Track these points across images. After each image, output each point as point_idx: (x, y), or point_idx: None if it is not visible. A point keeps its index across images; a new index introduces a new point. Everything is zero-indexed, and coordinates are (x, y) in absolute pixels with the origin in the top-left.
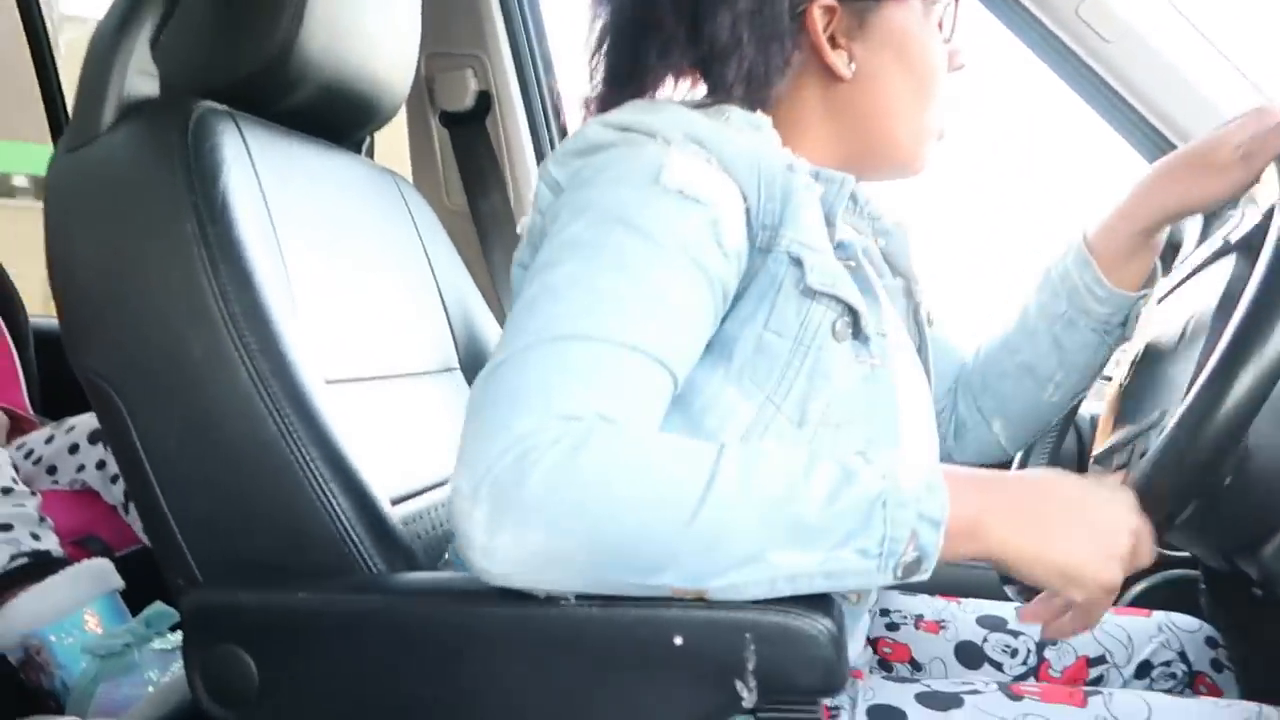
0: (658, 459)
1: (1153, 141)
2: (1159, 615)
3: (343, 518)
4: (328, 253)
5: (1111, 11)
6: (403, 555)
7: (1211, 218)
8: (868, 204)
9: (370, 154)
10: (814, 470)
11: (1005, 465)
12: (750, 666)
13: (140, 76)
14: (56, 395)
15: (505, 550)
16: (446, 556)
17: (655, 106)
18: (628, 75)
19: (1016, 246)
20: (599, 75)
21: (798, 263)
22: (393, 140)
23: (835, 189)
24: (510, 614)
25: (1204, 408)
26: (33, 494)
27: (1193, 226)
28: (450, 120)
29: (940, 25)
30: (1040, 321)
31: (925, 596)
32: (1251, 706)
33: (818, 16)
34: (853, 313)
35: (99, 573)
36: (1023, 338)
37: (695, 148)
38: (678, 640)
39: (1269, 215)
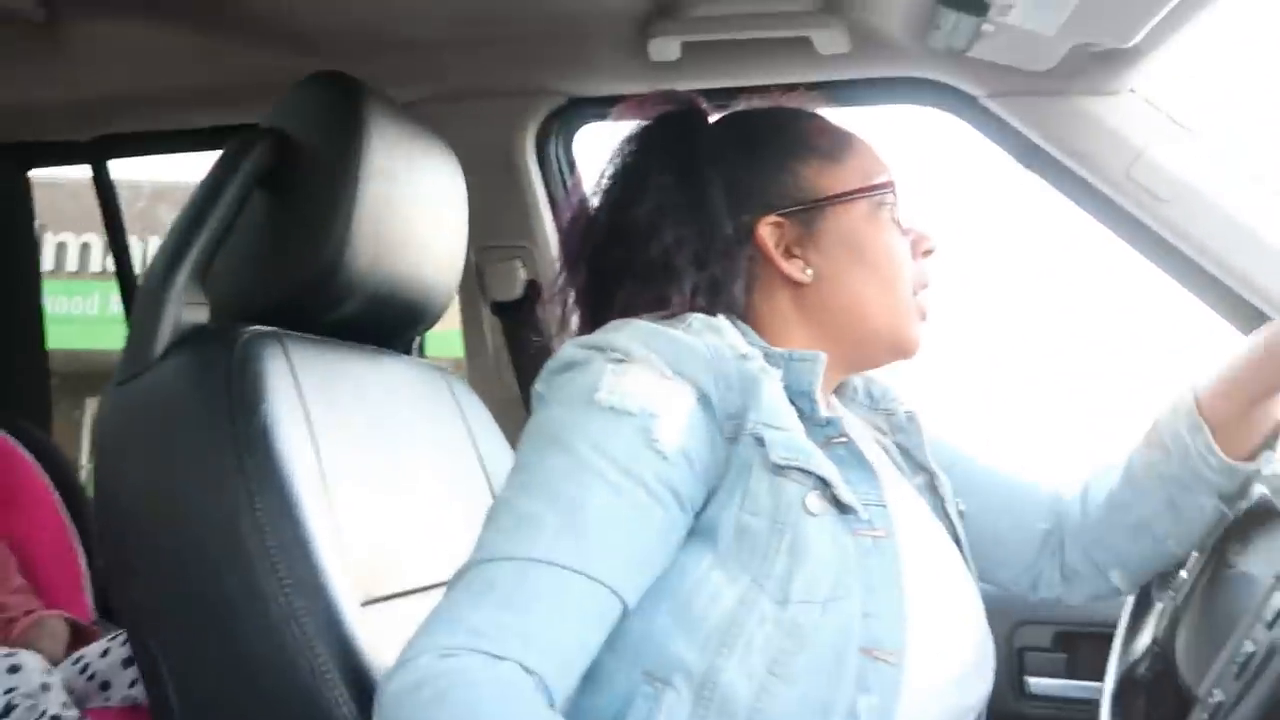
0: (489, 708)
1: (1221, 296)
2: None
3: None
4: (374, 465)
5: (1164, 170)
6: None
7: None
8: (883, 398)
9: (421, 351)
10: None
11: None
12: None
13: (191, 307)
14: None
15: None
16: None
17: (622, 324)
18: (598, 305)
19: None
20: (578, 309)
21: (760, 442)
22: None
23: (808, 366)
24: None
25: None
26: (80, 716)
27: None
28: (501, 310)
29: (895, 219)
30: (1152, 480)
31: None
32: None
33: (767, 233)
34: (825, 483)
35: None
36: (1134, 495)
37: (645, 354)
38: None
39: None
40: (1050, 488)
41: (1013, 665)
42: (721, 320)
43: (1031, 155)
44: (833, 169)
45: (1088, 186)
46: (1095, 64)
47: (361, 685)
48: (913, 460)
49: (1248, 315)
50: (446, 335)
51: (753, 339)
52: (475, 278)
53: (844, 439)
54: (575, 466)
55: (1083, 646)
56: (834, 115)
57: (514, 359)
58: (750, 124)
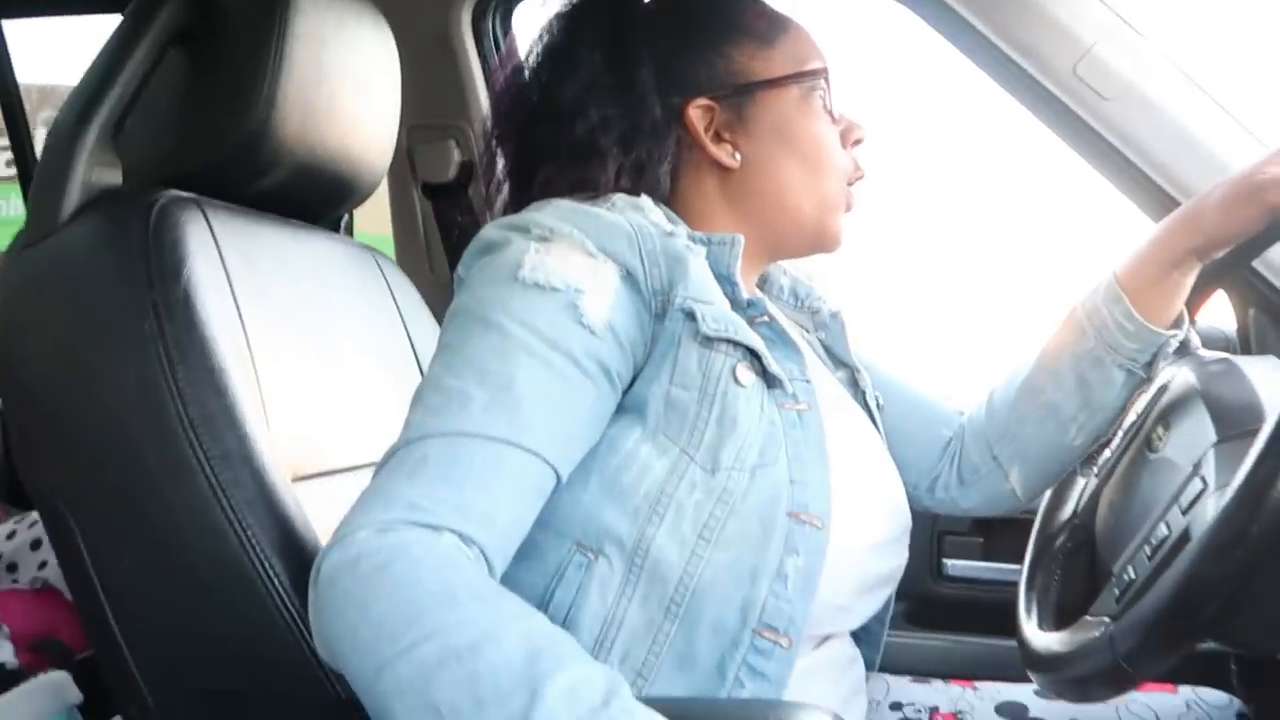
0: (430, 581)
1: (1156, 199)
2: (1186, 691)
3: (307, 638)
4: (301, 341)
5: (1110, 69)
6: None
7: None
8: (808, 297)
9: (350, 230)
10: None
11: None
12: None
13: (101, 168)
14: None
15: (316, 612)
16: None
17: (543, 204)
18: (523, 184)
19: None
20: (505, 189)
21: (690, 316)
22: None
23: (727, 249)
24: None
25: (1260, 488)
26: None
27: None
28: (432, 191)
29: (827, 107)
30: (1065, 361)
31: (939, 683)
32: None
33: (696, 117)
34: (754, 355)
35: (56, 687)
36: (1045, 378)
37: (573, 234)
38: None
39: None
40: (956, 400)
41: (932, 549)
42: (645, 200)
43: (978, 48)
44: (766, 53)
45: (1033, 82)
46: None
47: (294, 559)
48: (835, 357)
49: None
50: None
51: (674, 220)
52: (406, 158)
53: (767, 319)
54: (502, 343)
55: (1000, 530)
56: (776, 2)
57: (445, 243)
58: (685, 4)
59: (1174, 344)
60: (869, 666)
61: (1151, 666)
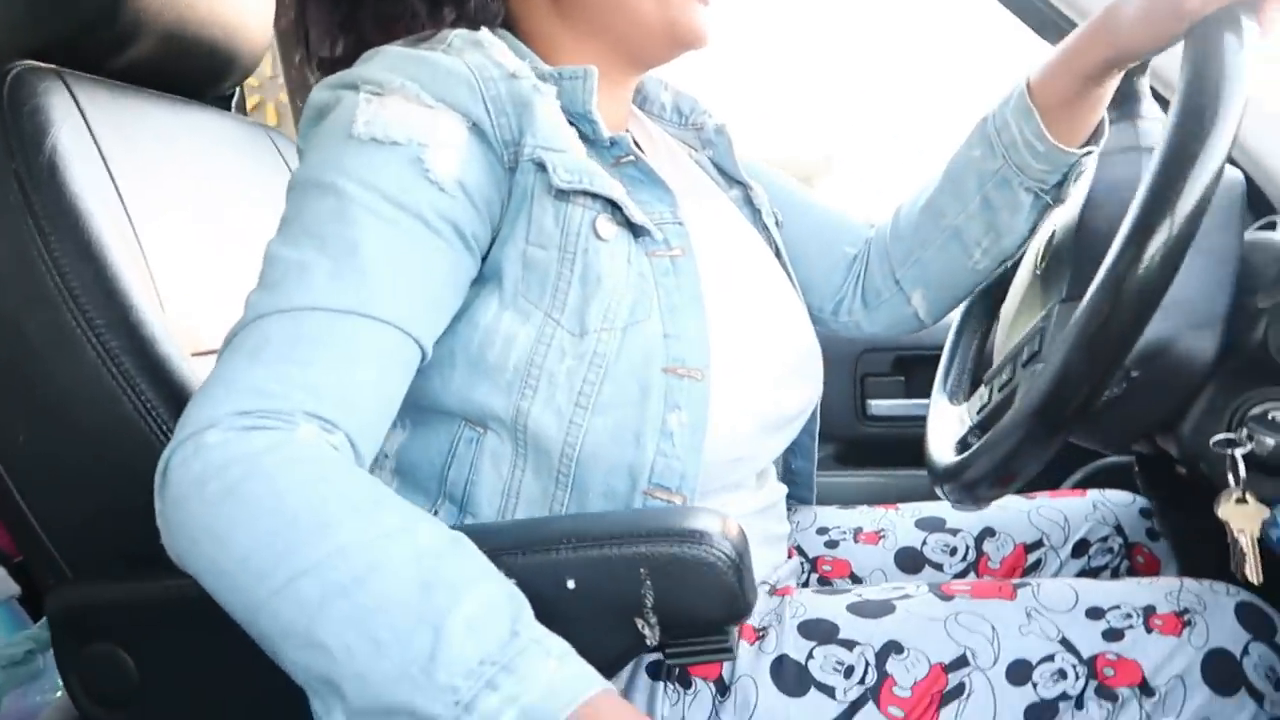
0: (278, 516)
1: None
2: (1093, 494)
3: None
4: (190, 216)
5: None
6: None
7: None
8: (692, 113)
9: (242, 109)
10: (399, 646)
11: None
12: (649, 603)
13: None
14: None
15: (166, 531)
16: None
17: (371, 53)
18: (340, 29)
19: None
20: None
21: (541, 167)
22: None
23: (580, 84)
24: None
25: (1119, 278)
26: None
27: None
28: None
29: None
30: (971, 180)
31: (864, 508)
32: (1173, 581)
33: None
34: (615, 206)
35: None
36: (950, 199)
37: (406, 85)
38: (570, 584)
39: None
40: (860, 217)
41: (856, 391)
42: (485, 34)
43: None
44: None
45: None
46: None
47: None
48: (726, 174)
49: (1057, 25)
50: None
51: (522, 52)
52: (301, 31)
53: (631, 158)
54: (341, 206)
55: (919, 368)
56: None
57: None
58: None
59: (1085, 164)
60: (804, 504)
61: (1027, 465)
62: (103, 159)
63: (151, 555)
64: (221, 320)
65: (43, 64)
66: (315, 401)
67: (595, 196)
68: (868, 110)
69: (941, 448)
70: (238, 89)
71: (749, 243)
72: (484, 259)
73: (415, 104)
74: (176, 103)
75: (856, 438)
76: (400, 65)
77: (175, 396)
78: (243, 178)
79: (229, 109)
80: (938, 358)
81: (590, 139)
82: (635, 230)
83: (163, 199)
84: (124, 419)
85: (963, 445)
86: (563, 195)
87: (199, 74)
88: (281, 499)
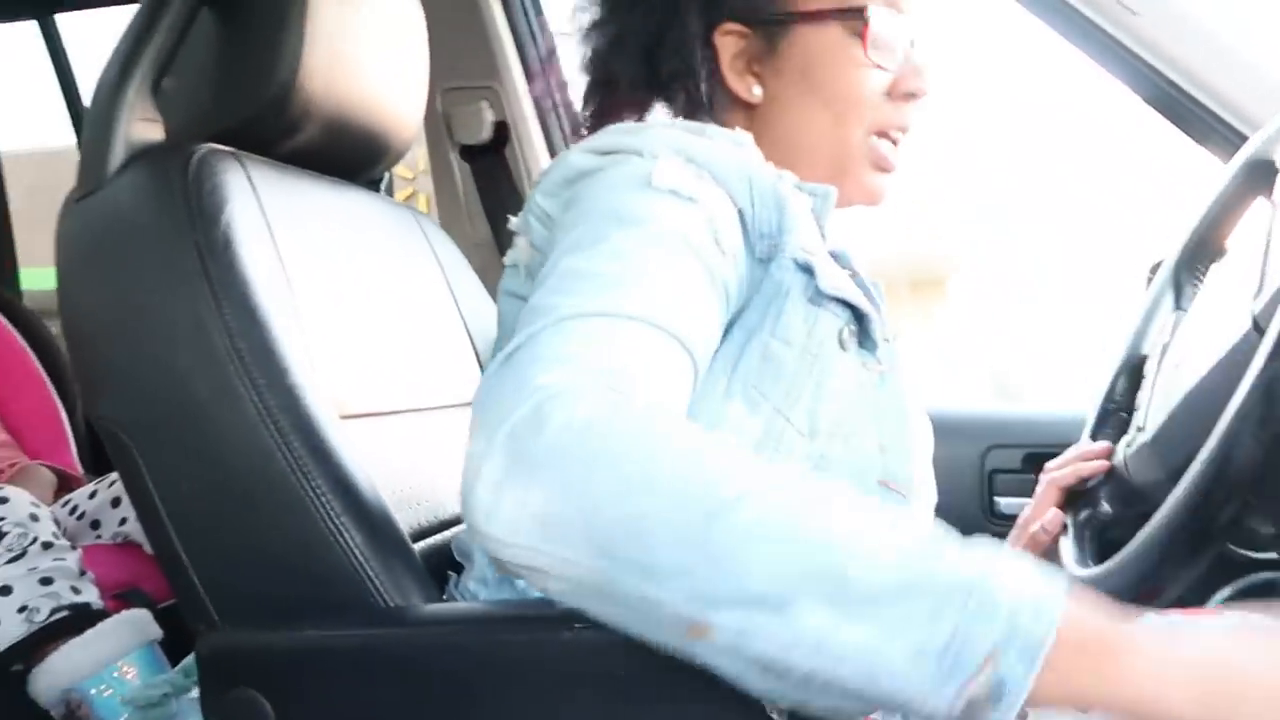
0: (696, 445)
1: (1194, 115)
2: (1231, 612)
3: (357, 551)
4: (343, 288)
5: None
6: (420, 588)
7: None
8: (847, 266)
9: (390, 191)
10: (891, 524)
11: None
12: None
13: (144, 124)
14: (106, 452)
15: (506, 512)
16: (449, 589)
17: (637, 128)
18: (601, 110)
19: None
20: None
21: (807, 269)
22: None
23: (821, 201)
24: (528, 640)
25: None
26: (73, 548)
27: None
28: (470, 153)
29: (867, 47)
30: None
31: None
32: None
33: (727, 42)
34: (860, 318)
35: (137, 623)
36: None
37: (682, 161)
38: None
39: None
40: None
41: (984, 487)
42: (742, 134)
43: None
44: None
45: (1059, 3)
46: None
47: (339, 480)
48: None
49: (1221, 134)
50: None
51: (766, 162)
52: (442, 122)
53: (851, 272)
54: (650, 236)
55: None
56: None
57: (484, 202)
58: None
59: None
60: None
61: (1174, 580)
62: (270, 232)
63: (295, 605)
64: (365, 387)
65: (222, 147)
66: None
67: (846, 306)
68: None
69: (1076, 555)
70: (387, 173)
71: (912, 380)
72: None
73: (697, 177)
74: (335, 183)
75: (984, 536)
76: (677, 142)
77: (323, 456)
78: (389, 253)
79: (379, 190)
80: None
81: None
82: (866, 343)
83: (319, 270)
84: (277, 474)
85: (1101, 553)
86: (819, 299)
87: (355, 158)
88: (687, 443)
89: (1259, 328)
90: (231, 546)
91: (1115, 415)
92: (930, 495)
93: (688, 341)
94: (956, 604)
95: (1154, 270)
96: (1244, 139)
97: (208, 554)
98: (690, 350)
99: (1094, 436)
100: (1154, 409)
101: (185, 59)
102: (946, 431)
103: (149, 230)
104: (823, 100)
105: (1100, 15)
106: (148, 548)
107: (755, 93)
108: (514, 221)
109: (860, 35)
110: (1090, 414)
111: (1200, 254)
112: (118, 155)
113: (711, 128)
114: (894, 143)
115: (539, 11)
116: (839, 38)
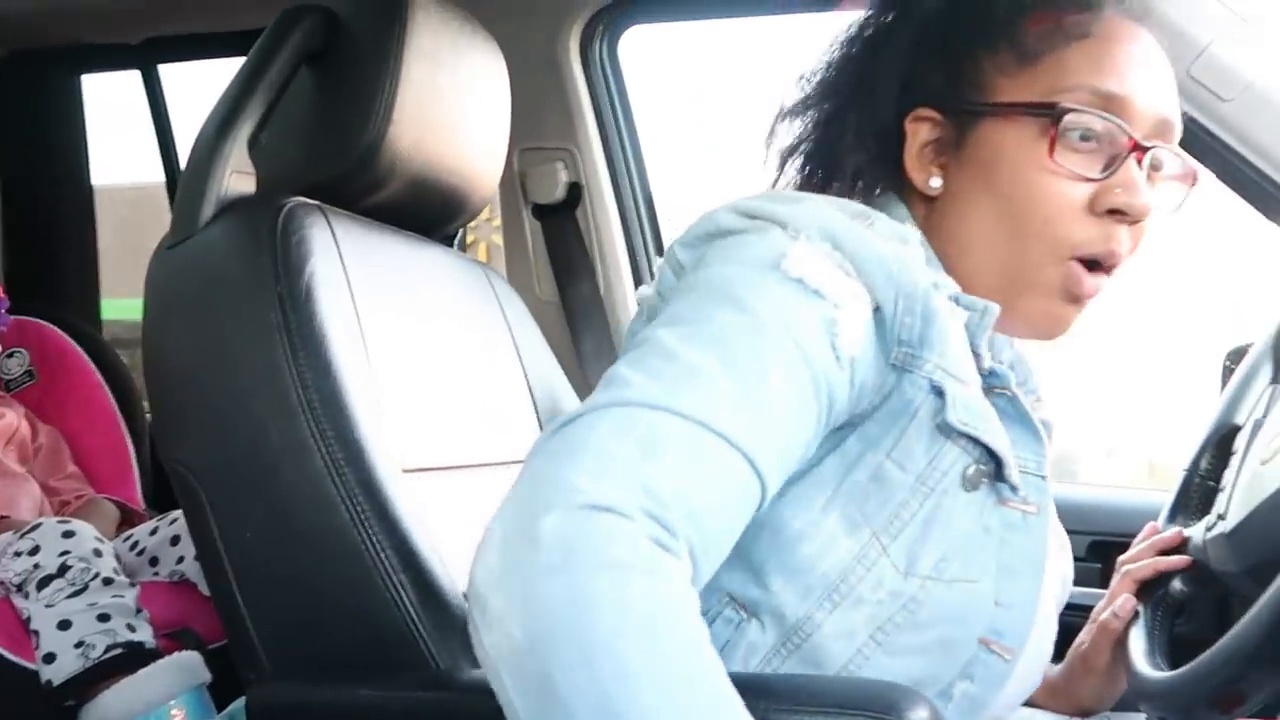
0: (678, 680)
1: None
2: None
3: (412, 611)
4: (413, 342)
5: (1227, 67)
6: (470, 651)
7: None
8: (1025, 384)
9: (463, 247)
10: None
11: None
12: None
13: (238, 176)
14: (169, 489)
15: (494, 608)
16: None
17: (794, 196)
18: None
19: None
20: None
21: (939, 392)
22: None
23: (978, 317)
24: None
25: None
26: (132, 585)
27: None
28: (542, 212)
29: (1054, 150)
30: None
31: (1051, 716)
32: None
33: (919, 129)
34: (993, 458)
35: (188, 666)
36: None
37: (827, 246)
38: None
39: None
40: None
41: None
42: (910, 230)
43: None
44: (1019, 71)
45: None
46: None
47: (401, 538)
48: None
49: None
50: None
51: (932, 260)
52: (517, 180)
53: (1008, 393)
54: (754, 328)
55: (1115, 555)
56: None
57: (554, 262)
58: None
59: None
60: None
61: (1258, 686)
62: (349, 285)
63: (348, 660)
64: (431, 440)
65: (310, 200)
66: (698, 536)
67: (979, 445)
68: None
69: (1149, 655)
70: (461, 229)
71: (1056, 525)
72: (828, 439)
73: (836, 267)
74: (412, 239)
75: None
76: (829, 224)
77: (384, 511)
78: (459, 310)
79: (452, 245)
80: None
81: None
82: (1002, 482)
83: (392, 325)
84: (340, 527)
85: (1172, 646)
86: (947, 429)
87: (434, 214)
88: (651, 611)
89: None
90: (289, 597)
91: (1200, 488)
92: (1048, 643)
93: (762, 465)
94: None
95: (1231, 357)
96: None
97: (266, 602)
98: (763, 476)
99: (1175, 511)
100: (1237, 496)
101: (280, 113)
102: None
103: (235, 280)
104: (1002, 202)
105: (1188, 102)
106: (203, 587)
107: (933, 185)
108: (656, 264)
109: (1070, 132)
110: (1174, 485)
111: None
112: (210, 206)
113: (880, 216)
114: (1102, 270)
115: (619, 75)
116: (1031, 137)
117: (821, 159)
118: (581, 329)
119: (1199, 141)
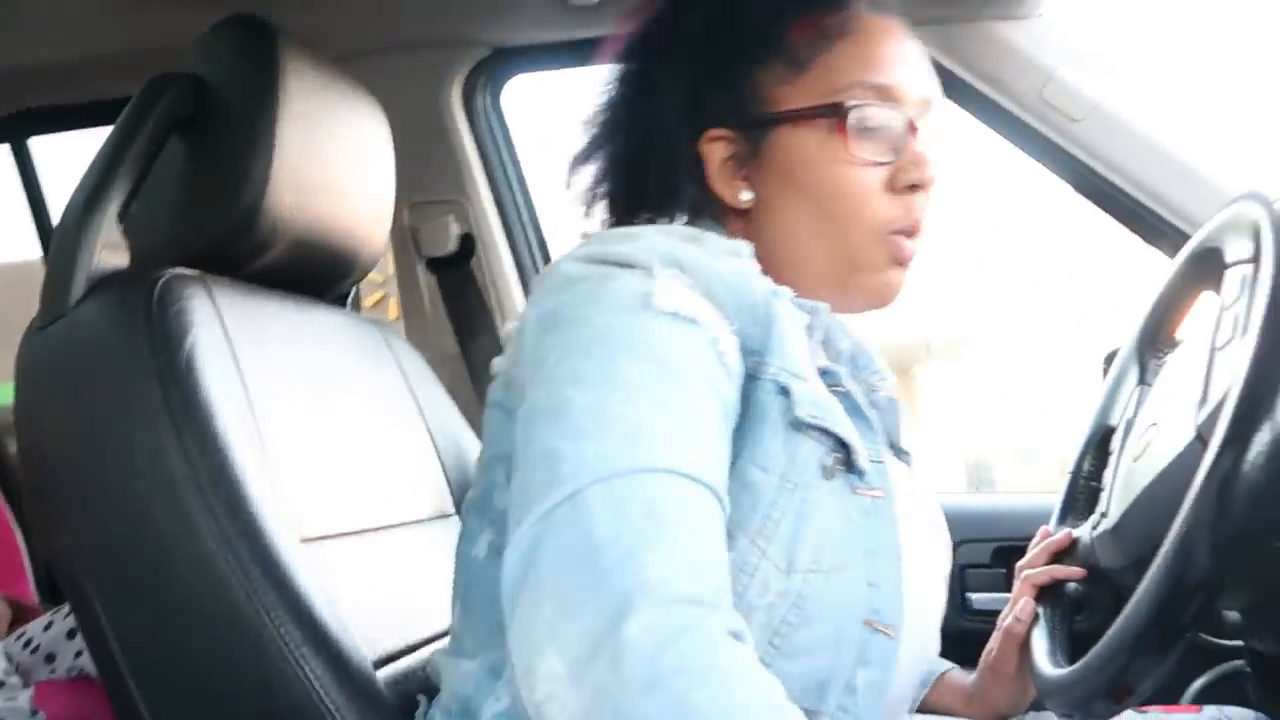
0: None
1: (1135, 214)
2: (1211, 710)
3: (317, 684)
4: (307, 407)
5: (1076, 90)
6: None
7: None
8: (866, 369)
9: (357, 306)
10: None
11: None
12: None
13: (109, 250)
14: None
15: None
16: (417, 715)
17: (629, 234)
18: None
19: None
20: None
21: (784, 392)
22: None
23: (814, 317)
24: None
25: (1223, 479)
26: (25, 686)
27: None
28: (437, 265)
29: (848, 143)
30: None
31: None
32: None
33: (714, 149)
34: (844, 447)
35: None
36: None
37: (675, 272)
38: None
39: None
40: None
41: (956, 583)
42: (741, 244)
43: (946, 82)
44: (794, 79)
45: (1001, 110)
46: None
47: (300, 614)
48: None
49: (1163, 233)
50: None
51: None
52: (409, 235)
53: (843, 389)
54: (663, 372)
55: (1019, 559)
56: None
57: (452, 315)
58: (718, 15)
59: None
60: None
61: (1145, 677)
62: (233, 355)
63: None
64: (331, 507)
65: (188, 271)
66: (725, 599)
67: (830, 435)
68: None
69: (1050, 654)
70: (354, 287)
71: (915, 489)
72: None
73: (692, 291)
74: (302, 302)
75: (957, 633)
76: (671, 252)
77: (283, 583)
78: (354, 371)
79: (345, 305)
80: None
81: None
82: (854, 470)
83: (283, 392)
84: (236, 605)
85: (1072, 645)
86: (799, 425)
87: (322, 276)
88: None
89: (1202, 439)
90: (188, 683)
91: (1085, 489)
92: (931, 618)
93: (722, 494)
94: None
95: (1108, 360)
96: (1183, 235)
97: (164, 692)
98: (721, 499)
99: (1064, 512)
100: (1116, 495)
101: (152, 184)
102: None
103: (110, 358)
104: (813, 200)
105: (1043, 123)
106: None
107: (744, 198)
108: (506, 327)
109: (853, 128)
110: (1061, 491)
111: (1159, 333)
112: (81, 283)
113: (710, 236)
114: (911, 237)
115: (504, 125)
116: (821, 136)
117: (629, 197)
118: (484, 381)
119: (1055, 159)
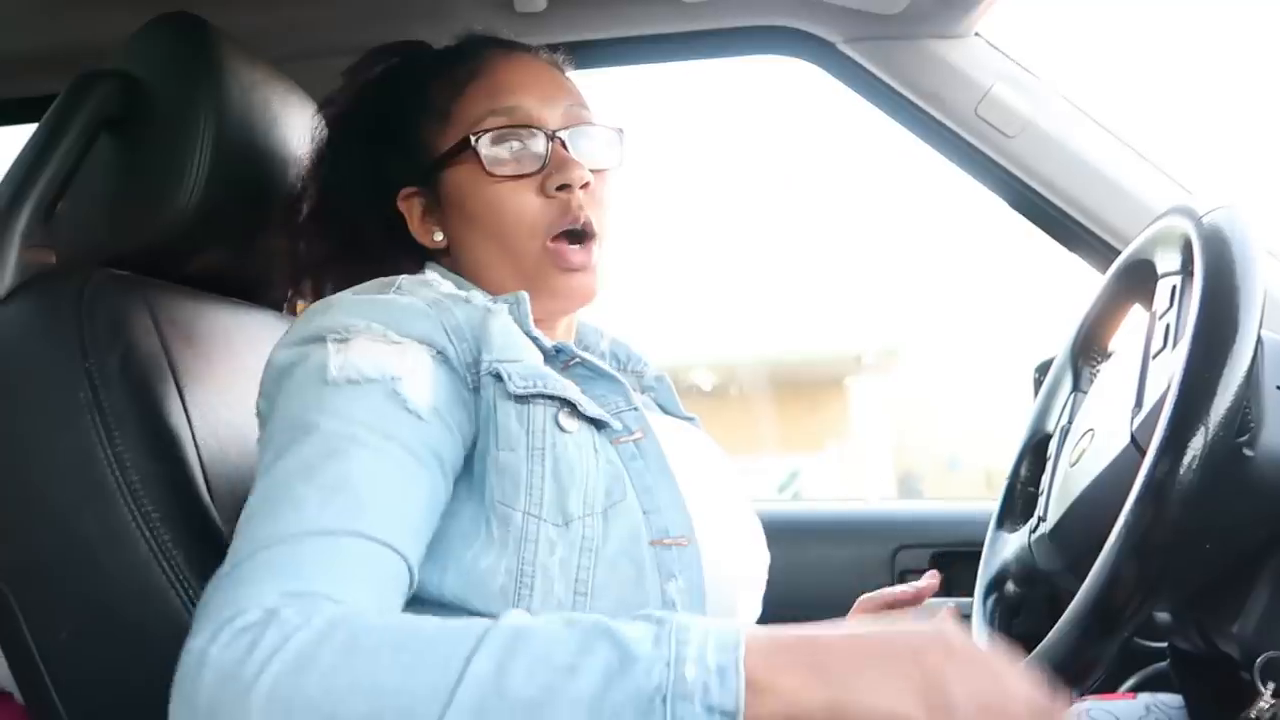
0: (401, 657)
1: (1067, 229)
2: (1145, 697)
3: None
4: (241, 410)
5: (1009, 107)
6: None
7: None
8: (629, 360)
9: (292, 310)
10: (584, 658)
11: None
12: None
13: (34, 251)
14: None
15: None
16: None
17: (325, 305)
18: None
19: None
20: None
21: (498, 377)
22: None
23: (515, 307)
24: None
25: (1159, 483)
26: None
27: None
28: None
29: (486, 168)
30: None
31: None
32: None
33: (409, 205)
34: (570, 405)
35: None
36: None
37: (364, 324)
38: None
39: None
40: None
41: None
42: (431, 274)
43: (885, 98)
44: (443, 126)
45: (938, 126)
46: (941, 8)
47: None
48: (669, 413)
49: (1094, 248)
50: None
51: (464, 284)
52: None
53: (577, 359)
54: (327, 444)
55: (958, 565)
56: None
57: None
58: (387, 88)
59: None
60: None
61: (1085, 670)
62: (168, 357)
63: None
64: None
65: (120, 272)
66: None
67: (552, 398)
68: (899, 310)
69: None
70: (290, 291)
71: (696, 438)
72: (460, 477)
73: (382, 342)
74: (238, 305)
75: None
76: (360, 310)
77: None
78: None
79: (282, 309)
80: (977, 554)
81: (540, 350)
82: (595, 424)
83: (218, 393)
84: (170, 614)
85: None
86: (523, 400)
87: (258, 278)
88: (378, 656)
89: (1138, 446)
90: (115, 696)
91: (1022, 494)
92: (744, 533)
93: (373, 533)
94: (657, 709)
95: (1039, 370)
96: (1112, 250)
97: (88, 704)
98: (378, 539)
99: (1002, 517)
100: (1054, 499)
101: (82, 182)
102: (856, 532)
103: (36, 361)
104: (480, 224)
105: (977, 138)
106: (19, 697)
107: (437, 239)
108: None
109: (498, 148)
110: (998, 497)
111: (1093, 343)
112: (6, 283)
113: (402, 278)
114: (587, 238)
115: None
116: (471, 167)
117: (353, 261)
118: None
119: (989, 174)
